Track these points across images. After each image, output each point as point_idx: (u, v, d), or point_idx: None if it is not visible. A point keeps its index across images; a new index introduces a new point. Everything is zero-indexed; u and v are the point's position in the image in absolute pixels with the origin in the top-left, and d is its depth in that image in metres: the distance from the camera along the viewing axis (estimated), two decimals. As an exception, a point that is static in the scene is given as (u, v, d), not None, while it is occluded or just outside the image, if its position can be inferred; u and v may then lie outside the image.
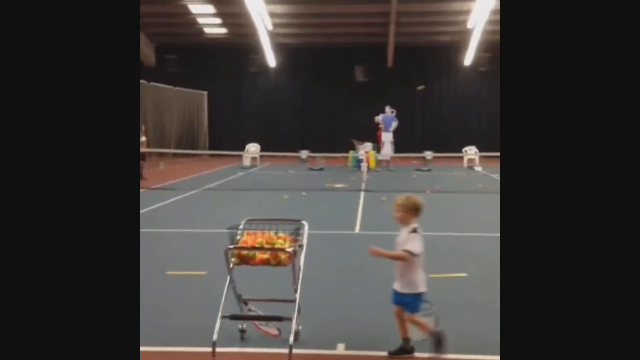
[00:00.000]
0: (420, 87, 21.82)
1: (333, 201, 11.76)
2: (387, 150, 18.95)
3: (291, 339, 3.57)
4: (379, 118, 19.78)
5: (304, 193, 12.82)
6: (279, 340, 3.91)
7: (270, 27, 22.97)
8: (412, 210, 3.98)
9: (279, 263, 3.80)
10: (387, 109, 19.79)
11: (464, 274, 5.75)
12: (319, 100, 26.56)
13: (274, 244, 3.83)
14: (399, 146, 20.28)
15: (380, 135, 19.56)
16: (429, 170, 18.63)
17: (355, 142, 20.38)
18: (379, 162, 19.01)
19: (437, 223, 9.09)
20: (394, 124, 19.37)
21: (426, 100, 26.03)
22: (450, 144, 20.71)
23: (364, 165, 16.39)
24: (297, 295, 3.79)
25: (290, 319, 3.67)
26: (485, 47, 24.46)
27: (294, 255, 3.77)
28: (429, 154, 19.32)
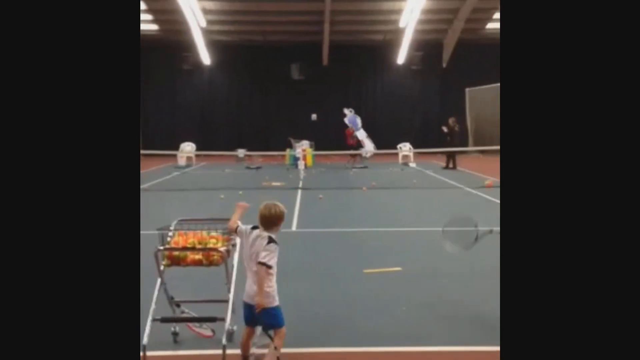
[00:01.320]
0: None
1: (270, 199, 11.69)
2: (368, 146, 19.20)
3: (224, 339, 3.51)
4: (346, 120, 20.04)
5: (240, 192, 12.68)
6: (213, 341, 3.84)
7: (203, 24, 22.58)
8: (279, 220, 3.64)
9: (211, 263, 3.74)
10: (346, 110, 20.08)
11: (399, 268, 5.85)
12: (255, 99, 26.37)
13: (206, 244, 3.76)
14: (336, 144, 20.47)
15: (349, 135, 19.71)
16: (365, 167, 18.89)
17: (292, 141, 20.40)
18: (360, 158, 19.31)
19: (373, 219, 9.22)
20: (359, 121, 19.61)
21: (361, 98, 26.38)
22: (385, 141, 21.08)
23: (301, 163, 16.42)
24: (231, 295, 3.73)
25: (223, 320, 3.61)
26: (417, 45, 25.04)
27: (227, 255, 3.71)
28: (364, 151, 19.58)
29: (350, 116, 19.71)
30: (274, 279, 3.46)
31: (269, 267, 3.38)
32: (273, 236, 3.50)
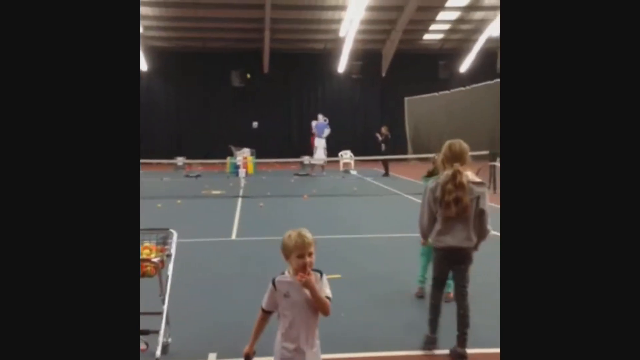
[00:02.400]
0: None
1: (210, 208, 11.52)
2: (320, 154, 19.19)
3: (158, 351, 3.41)
4: (313, 125, 20.01)
5: (179, 201, 12.43)
6: (147, 354, 3.72)
7: (140, 30, 22.06)
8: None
9: (144, 274, 3.62)
10: (320, 116, 20.19)
11: (338, 275, 5.87)
12: (194, 106, 25.96)
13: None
14: (277, 151, 20.43)
15: (313, 141, 19.71)
16: (306, 174, 18.93)
17: (233, 148, 20.20)
18: (312, 167, 19.26)
19: (313, 226, 9.17)
20: (327, 131, 19.76)
21: (303, 106, 26.49)
22: (327, 149, 21.23)
23: (241, 171, 16.27)
24: (165, 307, 3.63)
25: (157, 332, 3.51)
26: (357, 55, 25.43)
27: (160, 266, 3.61)
28: (306, 159, 19.64)
29: (320, 122, 19.83)
30: None
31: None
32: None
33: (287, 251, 2.72)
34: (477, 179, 3.85)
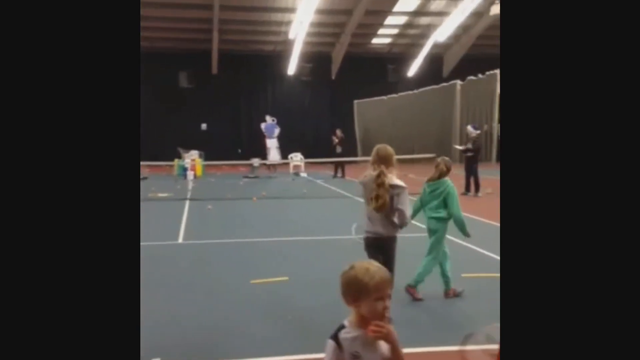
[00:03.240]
0: None
1: (156, 211, 11.25)
2: (274, 155, 19.02)
3: None
4: (262, 127, 19.83)
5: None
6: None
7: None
8: None
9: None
10: (268, 117, 20.08)
11: (286, 278, 5.84)
12: (141, 107, 25.30)
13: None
14: (226, 154, 20.20)
15: (266, 143, 19.59)
16: (256, 177, 18.80)
17: (181, 150, 19.85)
18: (270, 168, 19.10)
19: (263, 229, 9.16)
20: (277, 131, 19.62)
21: (252, 108, 26.32)
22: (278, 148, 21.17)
23: (189, 174, 16.00)
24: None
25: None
26: (307, 57, 25.50)
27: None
28: (256, 161, 19.51)
29: (268, 123, 19.75)
30: None
31: None
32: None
33: (361, 292, 2.03)
34: (397, 182, 4.30)
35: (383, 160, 4.29)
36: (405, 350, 2.11)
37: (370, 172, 4.32)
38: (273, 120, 19.97)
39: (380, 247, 4.27)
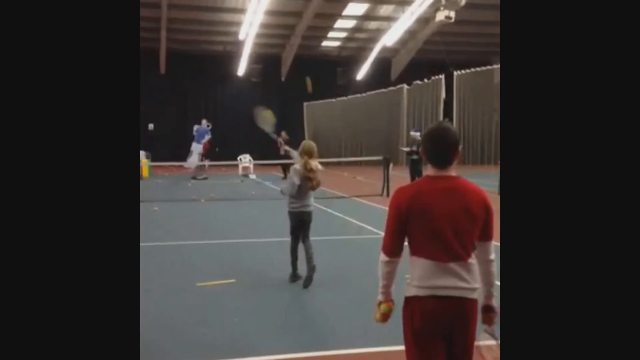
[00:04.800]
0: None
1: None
2: (194, 159, 18.68)
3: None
4: (194, 128, 19.52)
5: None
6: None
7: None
8: None
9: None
10: (204, 121, 19.74)
11: (232, 280, 5.87)
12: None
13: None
14: (174, 155, 19.93)
15: (205, 146, 19.21)
16: (205, 178, 18.63)
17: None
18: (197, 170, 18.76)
19: (210, 231, 9.13)
20: (207, 137, 19.33)
21: (201, 108, 26.03)
22: (226, 153, 21.03)
23: (135, 175, 15.69)
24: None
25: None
26: (257, 58, 25.44)
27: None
28: (205, 163, 19.33)
29: (202, 127, 19.48)
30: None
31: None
32: None
33: None
34: (320, 167, 5.82)
35: (307, 152, 5.74)
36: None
37: (302, 161, 5.71)
38: (208, 126, 19.82)
39: (308, 219, 5.91)
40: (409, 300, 2.50)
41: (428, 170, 2.56)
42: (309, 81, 20.60)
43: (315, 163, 5.72)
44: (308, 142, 6.04)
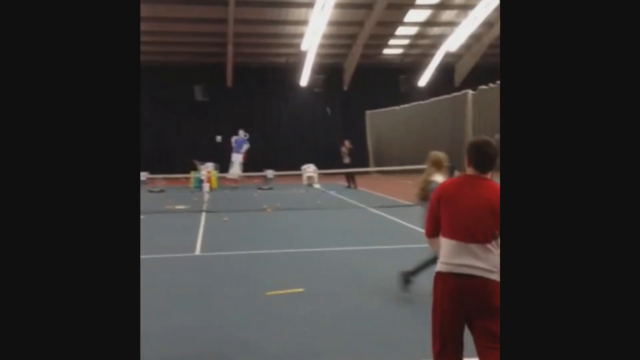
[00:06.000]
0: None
1: (173, 223, 11.49)
2: (236, 169, 19.22)
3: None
4: (232, 140, 20.09)
5: (142, 216, 12.35)
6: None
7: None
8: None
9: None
10: (241, 132, 20.30)
11: (302, 289, 6.00)
12: (157, 121, 25.74)
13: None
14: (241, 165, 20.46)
15: (244, 156, 19.86)
16: (270, 188, 19.01)
17: (197, 163, 20.14)
18: (232, 181, 19.28)
19: (276, 240, 9.34)
20: (245, 146, 19.87)
21: (265, 119, 26.60)
22: (290, 163, 21.35)
23: (205, 186, 16.24)
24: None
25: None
26: (319, 69, 25.73)
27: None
28: (270, 173, 19.73)
29: (240, 138, 20.02)
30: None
31: None
32: None
33: None
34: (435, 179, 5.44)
35: (435, 164, 5.48)
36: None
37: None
38: (245, 136, 20.27)
39: None
40: (436, 276, 2.99)
41: (467, 171, 3.00)
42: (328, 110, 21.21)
43: (440, 178, 5.27)
44: (436, 153, 5.60)
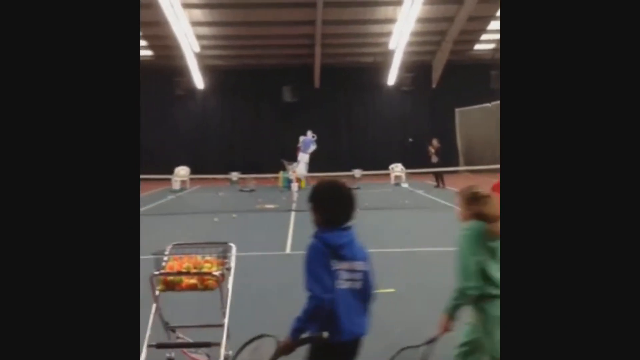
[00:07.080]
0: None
1: (264, 222, 11.77)
2: (302, 169, 19.43)
3: (220, 363, 3.55)
4: (300, 140, 20.51)
5: (234, 215, 12.75)
6: (209, 365, 3.88)
7: (197, 49, 22.84)
8: None
9: (206, 287, 3.79)
10: (309, 133, 20.54)
11: (392, 290, 5.91)
12: (247, 122, 26.56)
13: (201, 268, 3.82)
14: (328, 165, 20.60)
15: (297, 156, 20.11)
16: (357, 188, 18.96)
17: (285, 163, 20.54)
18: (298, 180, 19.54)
19: (365, 239, 9.24)
20: (312, 147, 20.06)
21: (352, 120, 26.64)
22: (377, 162, 21.24)
23: (294, 186, 16.50)
24: (226, 320, 3.78)
25: (219, 344, 3.66)
26: (407, 67, 25.39)
27: (221, 279, 3.77)
28: (357, 172, 19.72)
29: (307, 138, 20.13)
30: None
31: None
32: None
33: None
34: None
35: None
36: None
37: None
38: (313, 137, 20.24)
39: None
40: None
41: None
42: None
43: None
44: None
